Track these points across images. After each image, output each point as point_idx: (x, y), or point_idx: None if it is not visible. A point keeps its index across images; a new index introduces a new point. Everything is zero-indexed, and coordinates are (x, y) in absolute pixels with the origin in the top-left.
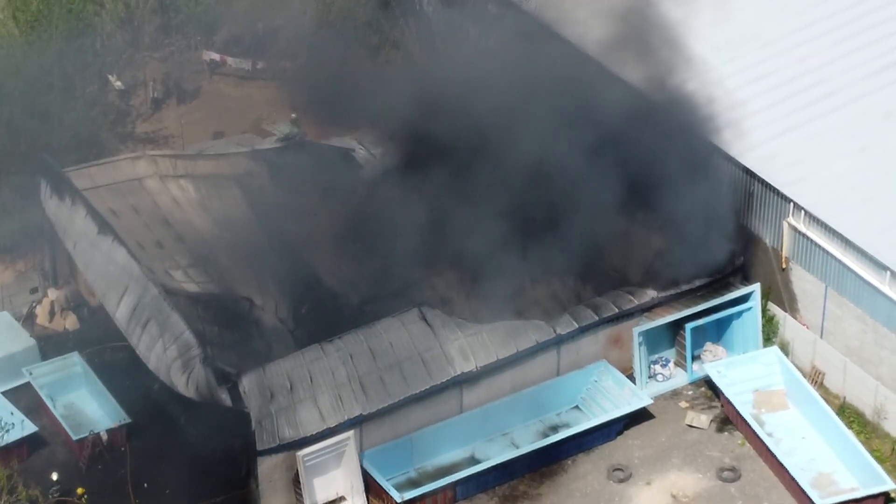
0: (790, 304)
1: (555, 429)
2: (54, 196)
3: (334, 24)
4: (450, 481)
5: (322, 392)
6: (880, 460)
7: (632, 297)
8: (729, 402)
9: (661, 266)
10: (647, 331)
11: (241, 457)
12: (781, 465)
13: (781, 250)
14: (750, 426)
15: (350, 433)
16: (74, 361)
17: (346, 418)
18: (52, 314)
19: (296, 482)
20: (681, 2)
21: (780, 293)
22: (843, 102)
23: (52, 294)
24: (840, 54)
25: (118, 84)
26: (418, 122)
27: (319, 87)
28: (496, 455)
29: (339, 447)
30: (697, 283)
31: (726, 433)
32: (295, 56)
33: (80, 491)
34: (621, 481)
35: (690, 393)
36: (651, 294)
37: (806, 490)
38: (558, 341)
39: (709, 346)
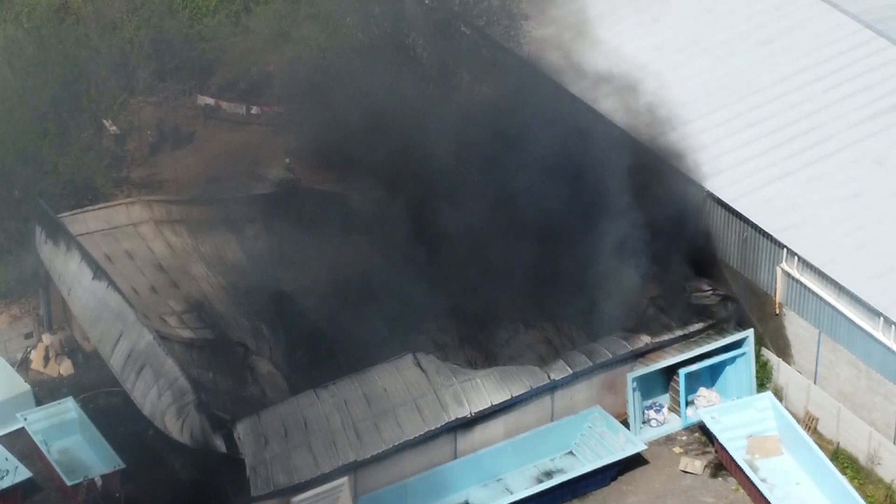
0: (784, 350)
1: (549, 474)
2: (49, 241)
3: (328, 70)
4: None
5: (316, 438)
6: None
7: (626, 343)
8: (723, 448)
9: (656, 311)
10: (641, 376)
11: (236, 503)
12: None
13: (775, 296)
14: (744, 472)
15: (344, 479)
16: (69, 407)
17: (340, 464)
18: (46, 359)
19: None
20: (674, 48)
21: (773, 339)
22: (837, 148)
23: (47, 339)
24: (833, 100)
25: (113, 129)
26: (411, 168)
27: (314, 133)
28: (490, 501)
29: (333, 493)
30: (691, 328)
31: (720, 479)
32: (289, 101)
33: None
34: None
35: (684, 438)
36: (645, 340)
37: None
38: (552, 387)
39: (703, 391)
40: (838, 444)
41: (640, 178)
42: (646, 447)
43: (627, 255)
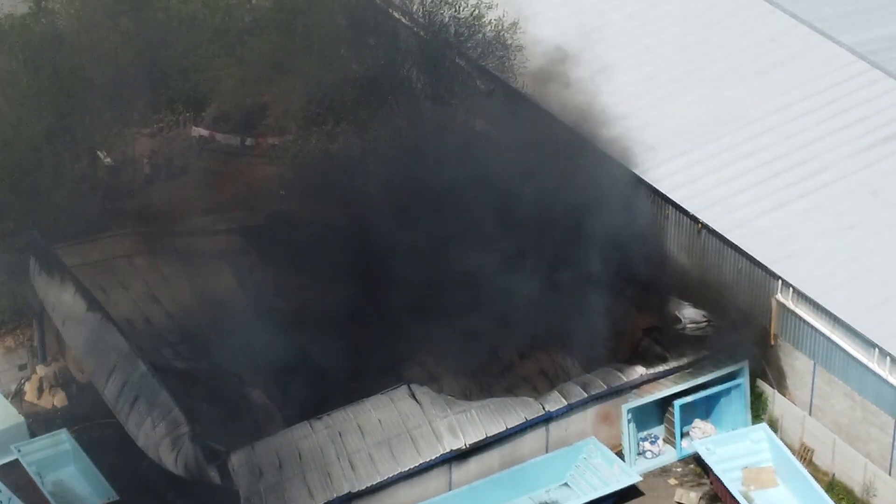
0: (779, 381)
1: None
2: (43, 273)
3: (323, 101)
4: None
5: (311, 469)
6: None
7: (621, 374)
8: (718, 480)
9: (650, 343)
10: (636, 408)
11: None
12: None
13: (770, 327)
14: (739, 503)
15: None
16: (63, 439)
17: (334, 496)
18: (40, 391)
19: None
20: (669, 79)
21: (769, 370)
22: (831, 180)
23: (41, 371)
24: (827, 132)
25: (107, 160)
26: (406, 197)
27: (308, 164)
28: None
29: None
30: (686, 360)
31: None
32: (284, 132)
33: None
34: None
35: (679, 470)
36: (640, 371)
37: None
38: (547, 418)
39: (698, 422)
40: (834, 475)
41: (633, 208)
42: (641, 479)
43: (621, 286)
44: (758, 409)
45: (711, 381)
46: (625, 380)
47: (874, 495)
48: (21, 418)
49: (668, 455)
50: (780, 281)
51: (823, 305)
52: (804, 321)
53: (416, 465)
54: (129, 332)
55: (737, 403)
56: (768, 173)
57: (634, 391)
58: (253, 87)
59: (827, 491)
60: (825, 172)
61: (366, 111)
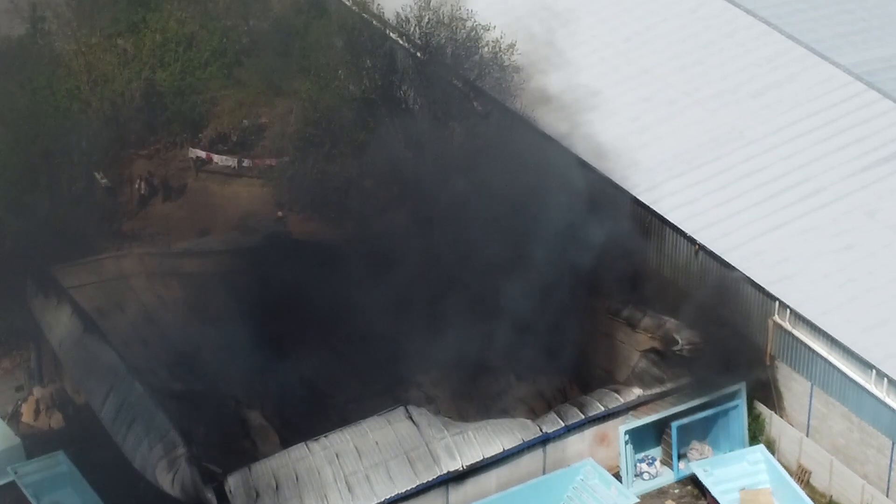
0: (776, 403)
1: None
2: (40, 294)
3: (320, 122)
4: None
5: (308, 491)
6: None
7: (618, 396)
8: (716, 501)
9: (648, 364)
10: (633, 429)
11: None
12: None
13: (767, 348)
14: None
15: None
16: (60, 460)
17: None
18: (37, 412)
19: None
20: (666, 100)
21: (766, 391)
22: (828, 201)
23: (38, 392)
24: (824, 153)
25: (104, 182)
26: (403, 219)
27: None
28: None
29: None
30: (683, 381)
31: None
32: (281, 154)
33: None
34: None
35: (677, 491)
36: (637, 392)
37: None
38: (544, 440)
39: (695, 444)
40: (831, 497)
41: (630, 231)
42: (638, 500)
43: (618, 308)
44: (755, 431)
45: (708, 402)
46: (622, 401)
47: None
48: (17, 440)
49: (666, 476)
50: (777, 302)
51: (821, 327)
52: (801, 342)
53: (414, 486)
54: (126, 354)
55: (734, 425)
56: (765, 194)
57: (632, 412)
58: (250, 108)
59: None
60: (822, 193)
61: (363, 133)
